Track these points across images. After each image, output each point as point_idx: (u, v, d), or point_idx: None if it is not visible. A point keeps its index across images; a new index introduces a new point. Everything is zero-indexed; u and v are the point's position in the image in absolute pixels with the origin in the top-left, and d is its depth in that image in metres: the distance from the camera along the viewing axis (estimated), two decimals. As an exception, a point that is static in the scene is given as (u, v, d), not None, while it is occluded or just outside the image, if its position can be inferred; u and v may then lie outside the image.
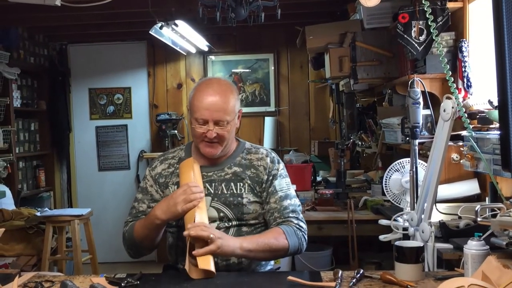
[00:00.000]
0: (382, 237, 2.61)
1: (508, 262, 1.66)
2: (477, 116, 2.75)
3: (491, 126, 2.60)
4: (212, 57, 6.21)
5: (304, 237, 2.06)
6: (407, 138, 3.11)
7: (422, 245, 1.73)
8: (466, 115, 2.22)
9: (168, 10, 4.48)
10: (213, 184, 2.07)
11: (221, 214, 2.04)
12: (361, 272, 1.74)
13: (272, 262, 2.18)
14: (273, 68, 6.17)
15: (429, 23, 2.33)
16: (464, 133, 2.72)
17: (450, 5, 3.09)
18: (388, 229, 2.56)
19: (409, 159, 2.64)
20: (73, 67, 6.28)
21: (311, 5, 4.91)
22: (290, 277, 1.72)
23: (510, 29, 1.59)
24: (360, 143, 4.76)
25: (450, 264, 2.17)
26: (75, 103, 6.31)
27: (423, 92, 2.55)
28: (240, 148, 2.17)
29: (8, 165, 4.89)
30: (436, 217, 2.50)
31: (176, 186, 2.09)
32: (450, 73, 2.25)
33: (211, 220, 2.04)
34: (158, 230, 2.01)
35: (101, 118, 6.31)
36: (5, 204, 4.65)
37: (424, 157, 2.93)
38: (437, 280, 1.67)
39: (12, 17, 4.82)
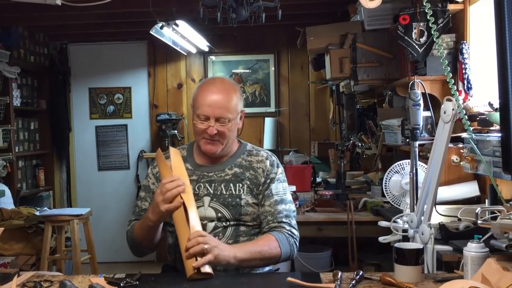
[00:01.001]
0: (381, 239, 2.61)
1: (508, 264, 1.66)
2: (477, 118, 2.75)
3: (491, 128, 2.59)
4: (213, 58, 6.21)
5: (296, 244, 2.06)
6: (407, 140, 3.11)
7: (421, 247, 1.73)
8: (466, 117, 2.22)
9: (169, 10, 4.48)
10: (213, 184, 2.08)
11: (219, 215, 2.05)
12: (360, 273, 1.73)
13: (271, 265, 2.18)
14: (273, 68, 6.17)
15: (430, 24, 2.33)
16: (464, 135, 2.72)
17: (450, 7, 3.09)
18: (387, 231, 2.55)
19: (409, 160, 2.64)
20: (73, 66, 6.28)
21: (312, 6, 4.91)
22: (289, 278, 1.72)
23: None
24: (360, 144, 4.75)
25: (450, 266, 2.17)
26: (75, 102, 6.31)
27: (424, 94, 2.55)
28: (241, 149, 2.17)
29: (8, 164, 4.89)
30: (436, 219, 2.49)
31: None
32: (451, 75, 2.25)
33: (209, 219, 2.05)
34: (153, 231, 1.99)
35: (101, 118, 6.31)
36: (4, 203, 4.65)
37: (424, 158, 2.93)
38: (437, 282, 1.67)
39: (13, 16, 4.81)
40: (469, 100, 3.03)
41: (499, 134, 2.06)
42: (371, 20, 3.80)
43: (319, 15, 5.19)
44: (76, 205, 6.20)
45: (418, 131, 2.48)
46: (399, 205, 2.96)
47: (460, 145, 2.90)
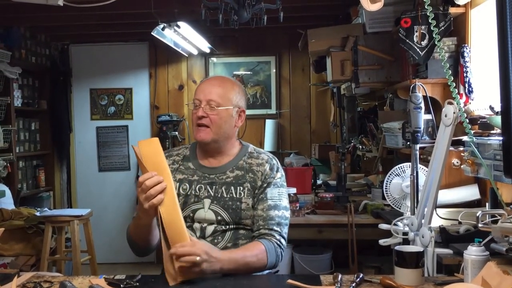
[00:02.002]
0: (382, 241, 2.60)
1: (508, 268, 1.66)
2: (478, 122, 2.75)
3: (492, 131, 2.59)
4: (214, 59, 6.21)
5: (282, 254, 2.03)
6: (408, 143, 3.11)
7: (422, 250, 1.72)
8: (467, 120, 2.22)
9: (170, 12, 4.48)
10: (214, 186, 2.08)
11: (219, 218, 2.04)
12: (360, 276, 1.73)
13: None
14: (274, 70, 6.17)
15: (431, 28, 2.33)
16: (465, 138, 2.72)
17: (452, 10, 3.10)
18: (388, 234, 2.55)
19: (409, 163, 2.64)
20: (74, 67, 6.29)
21: (314, 8, 4.91)
22: (289, 280, 1.72)
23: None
24: (360, 146, 4.76)
25: (450, 270, 2.17)
26: (76, 103, 6.31)
27: (425, 97, 2.55)
28: (243, 151, 2.17)
29: (8, 164, 4.89)
30: (436, 222, 2.49)
31: (178, 183, 2.10)
32: (452, 78, 2.25)
33: (209, 222, 2.04)
34: (145, 230, 1.93)
35: (102, 119, 6.31)
36: (4, 204, 4.65)
37: (425, 161, 2.93)
38: (437, 285, 1.67)
39: (14, 16, 4.82)
40: (470, 103, 3.03)
41: (500, 138, 2.06)
42: (372, 23, 3.81)
43: (321, 17, 5.20)
44: (77, 206, 6.20)
45: (419, 134, 2.48)
46: (399, 208, 2.96)
47: (461, 148, 2.90)
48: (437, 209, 2.51)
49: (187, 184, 2.10)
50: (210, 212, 2.04)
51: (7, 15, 4.71)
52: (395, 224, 2.46)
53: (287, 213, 2.10)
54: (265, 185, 2.08)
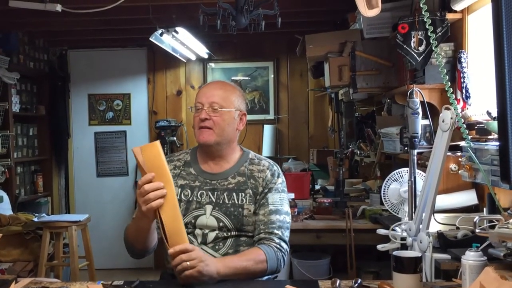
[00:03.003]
0: (380, 247, 2.61)
1: (506, 273, 1.66)
2: (476, 127, 2.76)
3: (489, 137, 2.60)
4: (212, 65, 6.22)
5: (284, 258, 2.03)
6: (406, 148, 3.11)
7: (420, 255, 1.73)
8: (464, 125, 2.23)
9: (169, 17, 4.50)
10: (215, 192, 2.08)
11: (221, 224, 2.04)
12: (359, 281, 1.73)
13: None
14: (272, 76, 6.18)
15: (429, 33, 2.34)
16: (462, 143, 2.72)
17: (449, 16, 3.11)
18: (386, 239, 2.55)
19: (407, 169, 2.65)
20: (73, 72, 6.29)
21: (311, 14, 4.93)
22: (288, 286, 1.72)
23: (510, 40, 1.59)
24: (359, 152, 4.76)
25: (448, 275, 2.17)
26: (75, 108, 6.31)
27: (422, 102, 2.56)
28: (244, 158, 2.17)
29: (6, 170, 4.89)
30: (434, 227, 2.50)
31: (180, 189, 2.10)
32: (449, 83, 2.26)
33: (211, 229, 2.04)
34: (143, 233, 1.92)
35: (100, 124, 6.31)
36: (2, 209, 4.64)
37: (423, 167, 2.93)
38: (435, 291, 1.67)
39: (13, 21, 4.83)
40: (467, 108, 3.04)
41: (497, 143, 2.06)
42: (370, 29, 3.82)
43: (319, 23, 5.21)
44: (75, 211, 6.19)
45: (416, 139, 2.49)
46: (397, 213, 2.97)
47: (459, 154, 2.90)
48: (435, 214, 2.51)
49: (188, 190, 2.10)
50: (212, 218, 2.04)
51: (5, 20, 4.71)
52: (393, 230, 2.46)
53: (288, 218, 2.11)
54: (266, 190, 2.09)
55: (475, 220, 1.93)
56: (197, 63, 6.19)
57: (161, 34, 4.44)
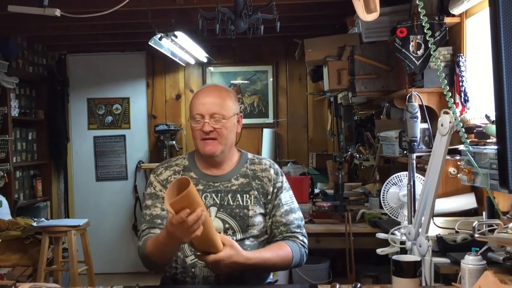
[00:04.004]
0: (379, 251, 2.61)
1: (505, 277, 1.66)
2: (474, 131, 2.76)
3: (488, 140, 2.60)
4: (211, 69, 6.23)
5: (306, 253, 2.11)
6: (405, 152, 3.12)
7: (419, 259, 1.72)
8: (463, 129, 2.23)
9: (168, 21, 4.50)
10: (219, 194, 2.07)
11: (226, 226, 2.04)
12: (358, 285, 1.73)
13: (271, 275, 2.19)
14: (271, 80, 6.19)
15: (427, 37, 2.34)
16: (461, 147, 2.73)
17: (447, 20, 3.12)
18: (385, 243, 2.55)
19: (406, 172, 2.65)
20: (72, 76, 6.29)
21: (310, 18, 4.94)
22: (287, 291, 1.72)
23: (508, 44, 1.60)
24: (358, 155, 4.76)
25: (448, 279, 2.17)
26: (74, 113, 6.31)
27: (421, 106, 2.56)
28: (243, 159, 2.18)
29: (5, 174, 4.88)
30: (434, 231, 2.50)
31: None
32: (448, 87, 2.26)
33: (216, 231, 2.04)
34: (171, 254, 1.96)
35: (99, 128, 6.31)
36: (1, 214, 4.63)
37: (422, 170, 2.93)
38: (434, 295, 1.67)
39: (12, 26, 4.82)
40: (466, 112, 3.04)
41: (496, 147, 2.07)
42: (368, 33, 3.83)
43: (317, 27, 5.22)
44: (74, 216, 6.18)
45: (415, 143, 2.49)
46: (396, 217, 2.96)
47: (457, 157, 2.90)
48: (434, 218, 2.51)
49: None
50: (218, 220, 2.04)
51: (4, 25, 4.71)
52: (392, 233, 2.46)
53: (301, 213, 2.19)
54: (276, 190, 2.13)
55: (474, 225, 1.93)
56: (196, 67, 6.20)
57: (160, 38, 4.44)
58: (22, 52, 5.49)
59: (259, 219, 2.07)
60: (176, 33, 4.47)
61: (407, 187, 2.53)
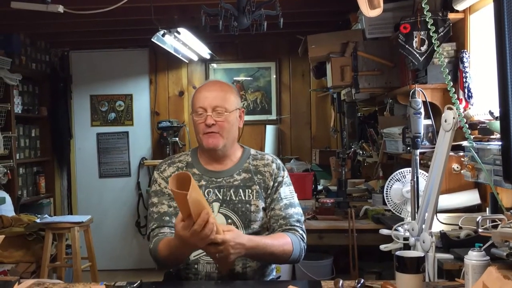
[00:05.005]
0: (382, 247, 2.60)
1: (509, 273, 1.65)
2: (478, 127, 2.75)
3: (491, 136, 2.60)
4: (214, 65, 6.23)
5: (305, 248, 2.11)
6: (408, 148, 3.11)
7: (423, 255, 1.72)
8: (467, 125, 2.23)
9: (170, 18, 4.50)
10: (222, 190, 2.08)
11: (229, 221, 2.04)
12: (361, 281, 1.73)
13: (274, 272, 2.18)
14: (274, 76, 6.19)
15: (431, 33, 2.34)
16: (465, 143, 2.72)
17: (451, 16, 3.11)
18: (388, 239, 2.55)
19: (410, 169, 2.64)
20: (74, 73, 6.30)
21: (313, 14, 4.92)
22: (290, 286, 1.72)
23: (512, 40, 1.59)
24: (361, 152, 4.76)
25: (451, 275, 2.17)
26: (76, 109, 6.32)
27: (424, 102, 2.55)
28: (245, 155, 2.18)
29: (8, 171, 4.89)
30: (437, 227, 2.49)
31: None
32: (451, 83, 2.26)
33: None
34: (185, 256, 1.96)
35: (102, 125, 6.31)
36: (4, 211, 4.65)
37: (425, 167, 2.93)
38: (438, 291, 1.67)
39: (14, 23, 4.83)
40: (469, 108, 3.04)
41: (500, 143, 2.06)
42: (372, 29, 3.82)
43: (321, 23, 5.21)
44: (77, 213, 6.19)
45: (419, 139, 2.48)
46: (400, 213, 2.96)
47: (461, 154, 2.90)
48: (438, 214, 2.51)
49: None
50: (220, 215, 2.05)
51: (7, 22, 4.72)
52: (395, 230, 2.45)
53: (300, 209, 2.18)
54: (276, 184, 2.12)
55: (477, 220, 1.93)
56: (199, 64, 6.19)
57: (163, 35, 4.44)
58: (25, 48, 5.49)
59: (261, 214, 2.08)
60: (179, 29, 4.47)
61: (411, 183, 2.53)
